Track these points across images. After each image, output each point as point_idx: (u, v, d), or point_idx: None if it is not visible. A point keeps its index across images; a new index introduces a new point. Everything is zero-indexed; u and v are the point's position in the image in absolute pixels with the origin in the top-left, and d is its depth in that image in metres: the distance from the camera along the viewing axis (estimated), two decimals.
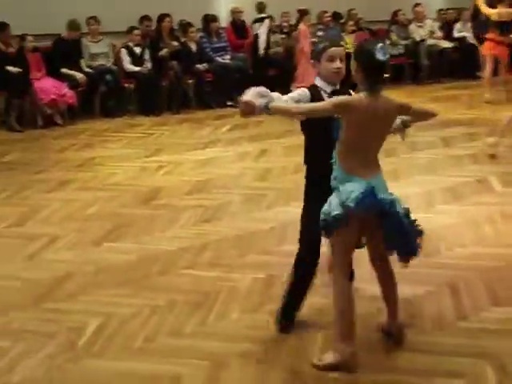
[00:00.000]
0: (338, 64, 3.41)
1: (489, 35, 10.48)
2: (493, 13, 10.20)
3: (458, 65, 12.65)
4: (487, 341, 3.54)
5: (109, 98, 9.93)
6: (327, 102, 3.23)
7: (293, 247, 4.73)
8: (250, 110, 3.23)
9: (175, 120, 9.66)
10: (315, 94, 3.42)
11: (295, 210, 5.53)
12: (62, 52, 9.63)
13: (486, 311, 3.88)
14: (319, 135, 3.46)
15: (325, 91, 3.44)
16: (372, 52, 3.10)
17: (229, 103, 10.46)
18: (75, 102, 9.45)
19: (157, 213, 5.62)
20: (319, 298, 3.85)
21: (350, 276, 3.50)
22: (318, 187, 3.45)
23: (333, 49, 3.43)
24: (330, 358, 3.28)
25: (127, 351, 3.49)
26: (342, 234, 3.22)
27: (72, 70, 9.57)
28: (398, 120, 3.45)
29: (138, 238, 5.06)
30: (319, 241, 3.49)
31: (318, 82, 3.49)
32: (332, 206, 3.18)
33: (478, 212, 5.50)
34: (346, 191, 3.15)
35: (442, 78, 12.42)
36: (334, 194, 3.22)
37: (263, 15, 11.23)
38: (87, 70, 9.79)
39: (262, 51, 11.15)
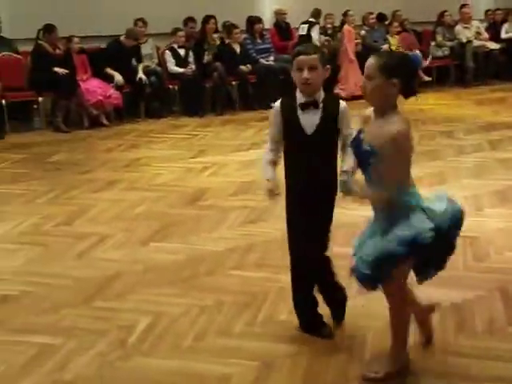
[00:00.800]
0: (305, 74, 3.21)
1: None
2: None
3: (505, 67, 12.46)
4: None
5: (153, 99, 10.04)
6: (392, 157, 2.88)
7: (340, 249, 4.76)
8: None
9: (219, 121, 9.72)
10: (288, 108, 3.34)
11: (342, 211, 5.56)
12: (116, 55, 9.73)
13: None
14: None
15: (298, 104, 3.30)
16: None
17: (272, 105, 10.43)
18: (121, 103, 9.58)
19: (203, 213, 5.65)
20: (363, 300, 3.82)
21: None
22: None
23: (300, 57, 3.23)
24: (388, 366, 3.20)
25: (177, 350, 3.51)
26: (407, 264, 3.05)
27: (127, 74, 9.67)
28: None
29: (185, 239, 5.09)
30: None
31: (297, 92, 3.35)
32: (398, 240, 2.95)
33: None
34: (419, 225, 2.93)
35: (489, 80, 12.25)
36: (403, 224, 2.96)
37: (311, 20, 11.21)
38: (142, 75, 9.84)
39: None
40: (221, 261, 4.64)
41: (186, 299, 4.07)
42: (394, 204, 2.96)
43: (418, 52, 11.41)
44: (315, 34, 11.16)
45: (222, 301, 4.03)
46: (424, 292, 3.84)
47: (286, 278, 4.30)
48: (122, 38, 9.86)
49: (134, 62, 9.91)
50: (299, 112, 3.32)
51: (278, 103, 3.40)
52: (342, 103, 3.44)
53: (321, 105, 3.33)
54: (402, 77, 2.89)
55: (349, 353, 3.43)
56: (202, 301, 4.03)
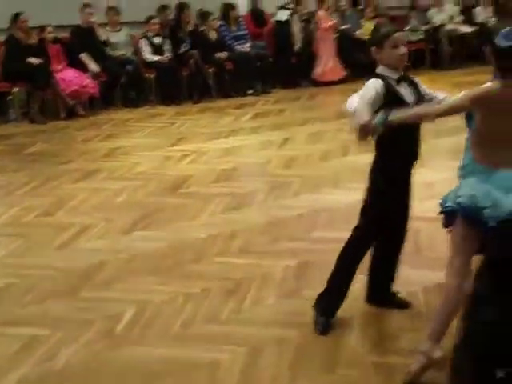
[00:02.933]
0: (403, 50, 3.33)
1: None
2: None
3: (479, 50, 12.53)
4: None
5: (130, 88, 9.97)
6: (462, 98, 2.89)
7: (322, 233, 4.81)
8: (367, 132, 3.08)
9: (196, 109, 9.68)
10: (387, 85, 3.31)
11: (322, 196, 5.63)
12: (81, 40, 9.65)
13: None
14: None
15: (392, 79, 3.34)
16: (493, 37, 2.80)
17: (249, 92, 10.47)
18: (97, 93, 9.50)
19: (185, 201, 5.64)
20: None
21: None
22: None
23: (397, 34, 3.33)
24: (436, 352, 2.98)
25: (164, 338, 3.51)
26: (458, 227, 2.93)
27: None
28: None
29: (168, 227, 5.08)
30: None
31: (382, 71, 3.38)
32: (449, 196, 2.95)
33: None
34: (462, 187, 2.91)
35: (463, 63, 12.33)
36: (459, 184, 2.99)
37: (289, 6, 11.18)
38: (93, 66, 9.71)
39: (298, 46, 11.13)
40: (205, 248, 4.64)
41: (171, 287, 4.07)
42: None
43: None
44: (295, 20, 11.14)
45: (207, 288, 4.03)
46: (410, 273, 3.91)
47: (270, 263, 4.35)
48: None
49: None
50: (397, 86, 3.35)
51: (378, 81, 3.30)
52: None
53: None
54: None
55: (337, 337, 3.46)
56: (188, 288, 4.03)
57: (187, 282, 4.13)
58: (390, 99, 3.30)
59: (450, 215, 2.94)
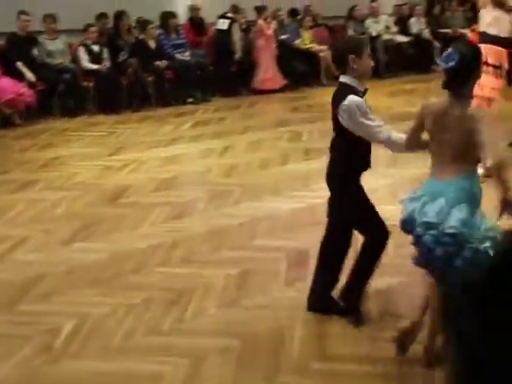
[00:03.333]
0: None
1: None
2: None
3: (414, 59, 12.84)
4: None
5: (68, 96, 9.81)
6: (418, 110, 3.14)
7: (264, 241, 4.84)
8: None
9: (136, 118, 9.60)
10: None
11: (263, 204, 5.66)
12: (17, 48, 9.46)
13: None
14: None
15: (360, 91, 3.34)
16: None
17: (189, 100, 10.44)
18: (34, 102, 9.31)
19: (125, 211, 5.58)
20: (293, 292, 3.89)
21: None
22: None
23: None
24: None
25: (105, 351, 3.47)
26: None
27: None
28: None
29: (108, 237, 5.02)
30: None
31: (352, 82, 3.34)
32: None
33: None
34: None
35: (399, 72, 12.60)
36: None
37: (230, 15, 11.21)
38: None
39: (238, 54, 11.17)
40: (146, 258, 4.61)
41: (112, 299, 4.02)
42: None
43: None
44: (236, 29, 11.18)
45: (149, 299, 4.00)
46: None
47: (211, 273, 4.35)
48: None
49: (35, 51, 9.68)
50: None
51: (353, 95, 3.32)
52: None
53: None
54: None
55: (279, 345, 3.48)
56: (129, 300, 4.00)
57: (128, 294, 4.09)
58: None
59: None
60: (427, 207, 3.00)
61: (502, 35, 6.29)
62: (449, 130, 2.99)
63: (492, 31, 6.28)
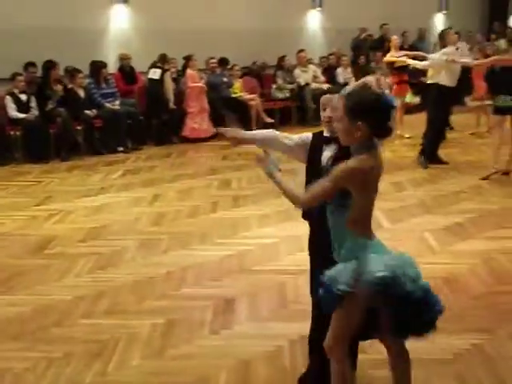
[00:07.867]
0: (327, 112, 3.18)
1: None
2: None
3: None
4: None
5: None
6: (326, 180, 2.79)
7: (191, 290, 4.83)
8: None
9: (65, 167, 9.49)
10: (316, 143, 3.25)
11: (190, 253, 5.66)
12: None
13: None
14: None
15: (324, 139, 3.23)
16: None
17: (120, 149, 10.42)
18: None
19: (50, 262, 5.48)
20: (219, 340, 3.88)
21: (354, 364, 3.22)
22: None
23: (324, 96, 3.23)
24: None
25: None
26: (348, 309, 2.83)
27: None
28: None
29: (32, 289, 4.91)
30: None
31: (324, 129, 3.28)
32: (342, 277, 2.80)
33: None
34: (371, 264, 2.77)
35: None
36: (348, 264, 2.82)
37: (160, 65, 11.30)
38: None
39: (172, 104, 11.24)
40: (69, 310, 4.52)
41: (32, 353, 3.92)
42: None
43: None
44: (168, 78, 11.26)
45: (70, 352, 3.92)
46: (276, 327, 3.98)
47: (137, 323, 4.30)
48: None
49: None
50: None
51: (309, 135, 3.29)
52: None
53: None
54: (370, 120, 2.76)
55: None
56: (50, 353, 3.90)
57: (50, 347, 4.00)
58: (309, 157, 3.26)
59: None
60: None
61: None
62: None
63: None
